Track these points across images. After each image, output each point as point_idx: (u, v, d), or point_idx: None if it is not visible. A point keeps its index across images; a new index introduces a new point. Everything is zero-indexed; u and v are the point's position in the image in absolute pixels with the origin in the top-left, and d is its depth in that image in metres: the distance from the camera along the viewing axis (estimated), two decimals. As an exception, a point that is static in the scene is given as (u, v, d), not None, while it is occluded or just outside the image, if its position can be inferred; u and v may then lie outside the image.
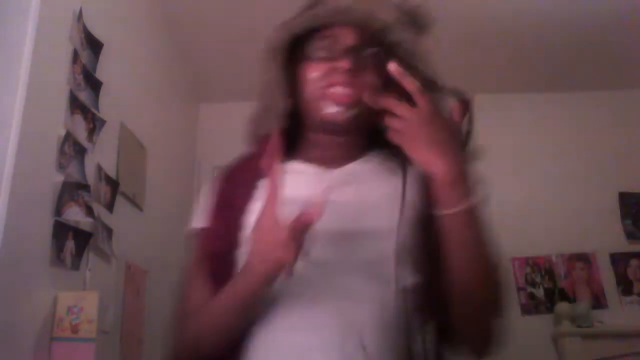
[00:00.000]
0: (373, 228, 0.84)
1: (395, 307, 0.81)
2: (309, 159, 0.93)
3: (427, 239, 0.83)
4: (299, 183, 0.85)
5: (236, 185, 0.94)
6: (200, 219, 0.95)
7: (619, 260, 3.09)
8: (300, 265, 0.75)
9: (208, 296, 0.87)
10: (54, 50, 1.53)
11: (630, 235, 3.14)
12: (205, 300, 0.87)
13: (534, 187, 3.21)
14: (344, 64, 0.88)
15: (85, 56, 1.71)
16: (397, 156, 0.88)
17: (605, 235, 3.12)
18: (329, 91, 0.89)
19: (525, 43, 2.93)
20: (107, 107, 1.83)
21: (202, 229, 0.93)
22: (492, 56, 3.06)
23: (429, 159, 0.77)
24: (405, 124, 0.78)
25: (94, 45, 1.78)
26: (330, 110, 0.89)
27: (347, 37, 0.91)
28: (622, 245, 3.12)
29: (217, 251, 0.89)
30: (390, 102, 0.79)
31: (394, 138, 0.79)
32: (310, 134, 0.95)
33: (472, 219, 0.81)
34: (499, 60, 3.11)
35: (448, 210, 0.78)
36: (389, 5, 0.94)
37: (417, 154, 0.78)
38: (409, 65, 0.87)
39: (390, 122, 0.79)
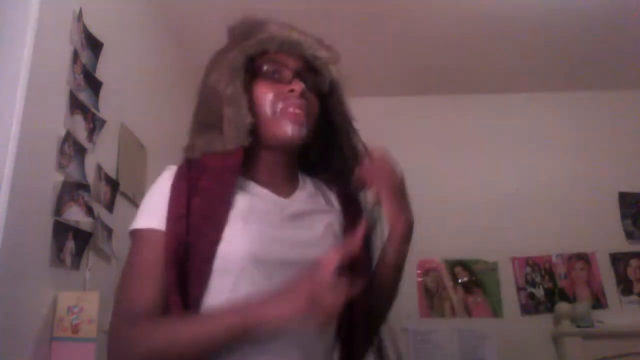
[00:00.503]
0: (315, 260, 0.89)
1: (331, 334, 0.95)
2: (260, 181, 0.99)
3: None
4: (262, 211, 0.94)
5: (205, 196, 0.92)
6: (152, 219, 0.92)
7: (619, 260, 3.09)
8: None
9: (156, 300, 0.86)
10: (54, 50, 1.53)
11: (630, 235, 3.14)
12: (153, 304, 0.86)
13: (533, 187, 3.21)
14: (299, 87, 0.97)
15: (85, 56, 1.71)
16: (317, 178, 1.06)
17: (605, 235, 3.12)
18: (287, 111, 0.97)
19: (525, 43, 2.93)
20: (107, 107, 1.83)
21: (156, 231, 0.90)
22: (492, 56, 3.06)
23: (396, 212, 0.97)
24: (380, 172, 0.97)
25: (94, 45, 1.78)
26: (288, 128, 0.97)
27: (296, 64, 1.01)
28: (622, 245, 3.12)
29: (175, 257, 0.87)
30: (371, 150, 0.96)
31: (364, 183, 0.98)
32: (261, 151, 1.00)
33: (407, 250, 1.01)
34: (499, 60, 3.11)
35: (396, 247, 0.98)
36: (326, 48, 1.08)
37: (387, 204, 0.97)
38: (342, 103, 1.08)
39: (363, 168, 0.98)
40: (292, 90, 0.97)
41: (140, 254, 0.90)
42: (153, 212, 0.93)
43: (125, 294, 0.90)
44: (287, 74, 0.99)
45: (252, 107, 0.98)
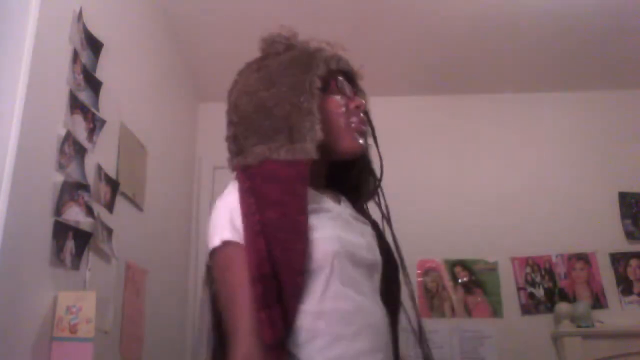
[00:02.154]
0: (378, 260, 1.06)
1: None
2: (314, 189, 1.04)
3: None
4: (331, 217, 1.00)
5: (282, 210, 0.93)
6: (234, 234, 0.92)
7: (619, 260, 3.09)
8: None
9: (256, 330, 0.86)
10: (54, 50, 1.53)
11: (630, 235, 3.14)
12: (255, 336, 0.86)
13: (533, 187, 3.21)
14: (362, 103, 1.08)
15: (85, 56, 1.71)
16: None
17: (605, 235, 3.12)
18: (357, 125, 1.06)
19: (525, 43, 2.93)
20: (107, 107, 1.83)
21: (240, 247, 0.91)
22: (492, 56, 3.06)
23: None
24: None
25: (94, 45, 1.78)
26: (359, 141, 1.06)
27: (353, 82, 1.12)
28: (622, 245, 3.12)
29: (267, 273, 0.88)
30: None
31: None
32: (313, 162, 1.01)
33: None
34: (499, 60, 3.11)
35: None
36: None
37: None
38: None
39: None
40: (357, 107, 1.07)
41: (237, 274, 0.90)
42: (227, 227, 0.93)
43: (241, 320, 0.88)
44: (349, 90, 1.09)
45: (323, 121, 1.02)
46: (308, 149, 0.98)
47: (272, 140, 1.00)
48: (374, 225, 1.12)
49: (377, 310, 0.98)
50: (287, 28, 1.14)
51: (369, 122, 1.13)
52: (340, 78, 1.09)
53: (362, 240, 1.02)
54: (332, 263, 0.92)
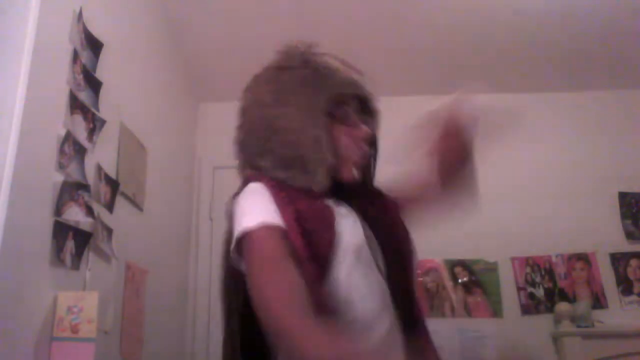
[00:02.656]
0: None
1: None
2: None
3: None
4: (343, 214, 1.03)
5: (310, 206, 0.98)
6: (266, 216, 0.95)
7: (619, 260, 3.09)
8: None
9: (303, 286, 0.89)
10: (54, 50, 1.53)
11: (630, 235, 3.14)
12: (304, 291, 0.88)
13: (533, 187, 3.21)
14: (367, 134, 1.10)
15: (85, 56, 1.71)
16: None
17: (605, 235, 3.12)
18: (356, 157, 1.09)
19: (525, 43, 2.93)
20: (107, 107, 1.83)
21: (274, 226, 0.94)
22: (492, 56, 3.06)
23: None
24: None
25: (94, 45, 1.78)
26: (354, 173, 1.09)
27: (358, 105, 1.12)
28: (622, 245, 3.12)
29: (307, 257, 0.92)
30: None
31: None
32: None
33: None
34: (499, 60, 3.11)
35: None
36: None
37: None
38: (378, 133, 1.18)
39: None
40: (361, 137, 1.09)
41: (270, 246, 0.93)
42: (265, 211, 0.96)
43: (279, 285, 0.89)
44: (355, 119, 1.11)
45: (331, 146, 1.06)
46: (320, 181, 1.03)
47: (287, 168, 1.04)
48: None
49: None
50: (305, 42, 1.15)
51: (374, 147, 1.16)
52: (346, 107, 1.10)
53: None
54: (355, 255, 0.97)
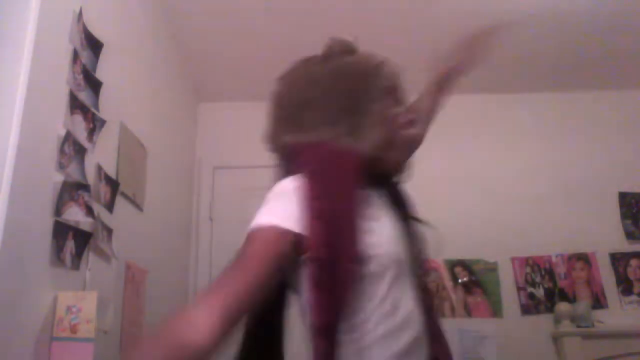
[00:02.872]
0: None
1: None
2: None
3: None
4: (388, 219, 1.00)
5: (343, 196, 0.93)
6: (288, 221, 0.91)
7: (619, 260, 3.09)
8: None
9: (252, 295, 0.84)
10: (54, 50, 1.53)
11: (630, 235, 3.14)
12: (246, 298, 0.84)
13: (533, 187, 3.21)
14: (414, 119, 1.12)
15: (85, 56, 1.71)
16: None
17: (605, 235, 3.12)
18: (405, 141, 1.09)
19: (526, 43, 2.93)
20: (107, 107, 1.83)
21: (293, 234, 0.90)
22: (492, 56, 3.06)
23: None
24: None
25: (94, 45, 1.78)
26: (398, 161, 1.08)
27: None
28: (622, 245, 3.13)
29: (322, 258, 0.88)
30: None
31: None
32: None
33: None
34: (500, 60, 3.11)
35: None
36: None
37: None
38: None
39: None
40: (410, 122, 1.09)
41: (264, 247, 0.89)
42: (284, 215, 0.92)
43: (233, 281, 0.87)
44: (404, 105, 1.12)
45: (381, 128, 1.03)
46: (365, 148, 0.99)
47: (335, 124, 1.00)
48: None
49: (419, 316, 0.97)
50: (349, 36, 1.14)
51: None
52: (399, 91, 1.10)
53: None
54: (394, 266, 0.92)
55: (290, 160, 1.02)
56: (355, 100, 1.02)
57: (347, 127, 1.00)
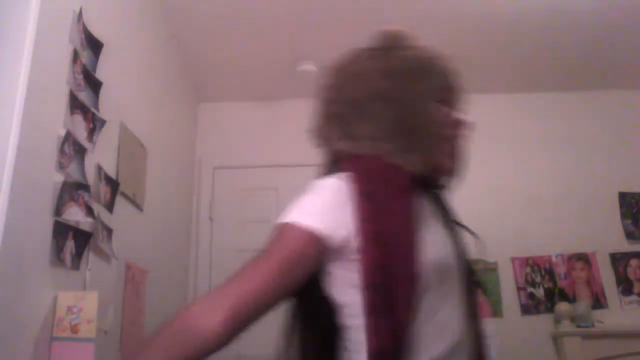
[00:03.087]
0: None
1: None
2: None
3: None
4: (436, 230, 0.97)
5: (396, 217, 0.89)
6: (314, 219, 0.88)
7: (619, 260, 3.09)
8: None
9: (262, 294, 0.83)
10: (54, 50, 1.53)
11: (630, 235, 3.14)
12: (255, 298, 0.82)
13: (533, 187, 3.21)
14: (471, 126, 1.09)
15: (85, 56, 1.71)
16: None
17: (605, 235, 3.12)
18: (458, 149, 1.07)
19: (526, 43, 2.93)
20: (107, 107, 1.83)
21: (316, 232, 0.86)
22: (492, 56, 3.06)
23: None
24: None
25: (94, 45, 1.78)
26: (451, 166, 1.05)
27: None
28: (622, 245, 3.12)
29: (378, 282, 0.85)
30: None
31: None
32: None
33: None
34: (499, 60, 3.11)
35: None
36: None
37: None
38: None
39: None
40: (466, 128, 1.06)
41: (280, 254, 0.86)
42: (323, 217, 0.88)
43: (243, 272, 0.85)
44: (461, 109, 1.07)
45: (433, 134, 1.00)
46: (418, 163, 0.95)
47: (387, 138, 0.96)
48: None
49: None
50: (404, 28, 1.08)
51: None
52: (458, 93, 1.05)
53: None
54: (439, 273, 0.90)
55: (338, 165, 0.98)
56: (409, 106, 0.98)
57: (400, 140, 0.96)
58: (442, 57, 1.05)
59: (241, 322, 0.82)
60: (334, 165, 1.01)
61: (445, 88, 1.02)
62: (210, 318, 0.81)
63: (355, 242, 0.87)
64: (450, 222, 1.03)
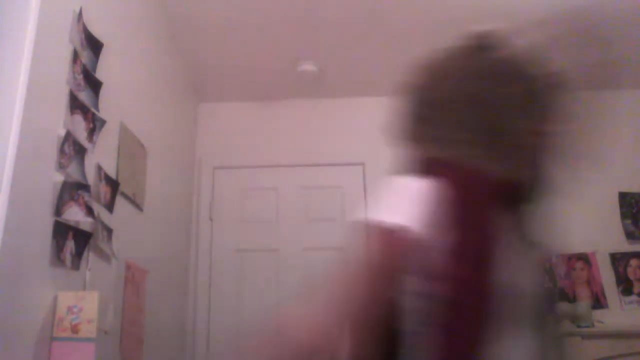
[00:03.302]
0: None
1: None
2: None
3: None
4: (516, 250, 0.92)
5: (477, 231, 0.85)
6: (411, 221, 0.84)
7: (619, 260, 3.09)
8: None
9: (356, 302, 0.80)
10: (54, 50, 1.53)
11: (630, 235, 3.14)
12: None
13: (534, 187, 3.21)
14: (561, 131, 1.01)
15: (85, 56, 1.71)
16: None
17: (605, 235, 3.12)
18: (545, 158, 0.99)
19: (525, 43, 2.93)
20: (107, 107, 1.83)
21: (413, 235, 0.83)
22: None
23: None
24: None
25: (94, 45, 1.78)
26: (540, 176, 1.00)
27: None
28: (622, 245, 3.12)
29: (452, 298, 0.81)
30: None
31: None
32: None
33: None
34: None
35: None
36: None
37: None
38: None
39: None
40: (555, 132, 0.99)
41: (383, 251, 0.83)
42: (417, 217, 0.85)
43: (335, 279, 0.82)
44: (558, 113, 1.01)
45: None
46: (503, 172, 0.90)
47: (473, 144, 0.92)
48: None
49: None
50: (496, 27, 1.03)
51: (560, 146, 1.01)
52: (550, 100, 0.99)
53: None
54: (509, 304, 0.85)
55: (423, 168, 0.94)
56: (497, 111, 0.93)
57: (485, 146, 0.91)
58: (537, 59, 1.00)
59: (344, 334, 0.79)
60: (418, 166, 0.96)
61: (535, 94, 0.96)
62: (314, 333, 0.77)
63: (433, 249, 0.84)
64: (530, 243, 0.96)
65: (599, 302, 3.02)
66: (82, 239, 1.59)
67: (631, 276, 3.07)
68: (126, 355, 1.91)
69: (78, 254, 1.57)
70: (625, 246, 3.12)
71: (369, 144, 3.16)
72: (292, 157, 3.34)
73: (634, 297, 3.03)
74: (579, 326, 2.86)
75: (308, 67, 3.04)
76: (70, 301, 1.42)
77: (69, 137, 1.55)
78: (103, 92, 1.80)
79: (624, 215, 3.17)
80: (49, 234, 1.43)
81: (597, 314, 2.96)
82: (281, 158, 3.34)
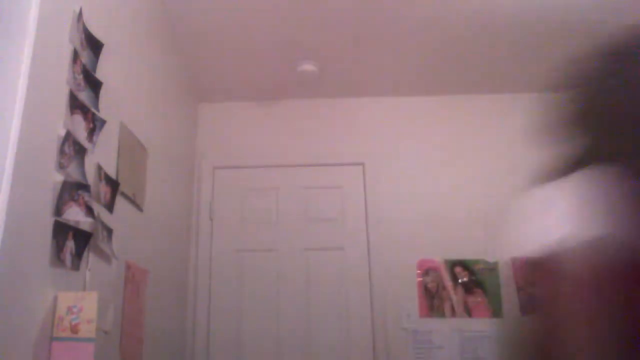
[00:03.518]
0: None
1: None
2: None
3: None
4: None
5: None
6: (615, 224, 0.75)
7: (619, 260, 3.10)
8: None
9: None
10: (54, 50, 1.53)
11: (630, 235, 3.14)
12: None
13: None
14: None
15: (85, 56, 1.71)
16: None
17: (605, 235, 3.12)
18: None
19: (523, 43, 2.93)
20: (107, 107, 1.83)
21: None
22: (490, 56, 3.06)
23: None
24: None
25: (94, 45, 1.78)
26: None
27: None
28: (622, 245, 3.13)
29: None
30: None
31: None
32: None
33: None
34: (498, 60, 3.11)
35: None
36: None
37: None
38: None
39: None
40: None
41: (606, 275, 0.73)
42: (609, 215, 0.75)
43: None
44: None
45: None
46: None
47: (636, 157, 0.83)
48: None
49: None
50: None
51: None
52: None
53: None
54: None
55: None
56: None
57: None
58: None
59: None
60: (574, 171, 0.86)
61: None
62: None
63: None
64: None
65: None
66: (82, 239, 1.59)
67: (631, 276, 3.07)
68: (126, 355, 1.91)
69: (78, 254, 1.57)
70: (626, 246, 3.12)
71: (369, 144, 3.16)
72: (292, 157, 3.35)
73: None
74: None
75: (308, 67, 3.04)
76: (70, 301, 1.42)
77: (69, 137, 1.55)
78: (103, 92, 1.80)
79: (624, 215, 3.18)
80: (48, 234, 1.43)
81: None
82: (281, 158, 3.34)
